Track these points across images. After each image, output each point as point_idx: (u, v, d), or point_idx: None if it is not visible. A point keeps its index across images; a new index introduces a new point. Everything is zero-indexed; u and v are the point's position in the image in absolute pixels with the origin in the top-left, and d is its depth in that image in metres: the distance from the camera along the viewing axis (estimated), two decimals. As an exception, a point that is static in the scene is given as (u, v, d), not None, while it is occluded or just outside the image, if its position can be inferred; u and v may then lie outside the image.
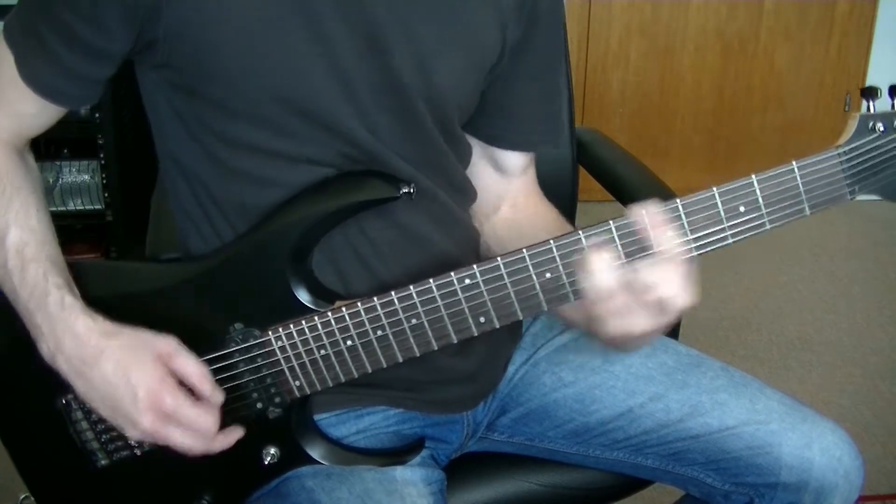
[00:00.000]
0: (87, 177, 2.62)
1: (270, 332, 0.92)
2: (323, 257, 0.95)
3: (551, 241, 0.86)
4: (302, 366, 0.93)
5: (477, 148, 1.09)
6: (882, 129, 0.85)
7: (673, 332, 1.37)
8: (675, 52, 3.33)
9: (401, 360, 0.92)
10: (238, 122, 0.91)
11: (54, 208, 2.52)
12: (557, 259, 0.86)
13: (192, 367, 0.90)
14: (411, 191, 0.92)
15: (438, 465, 1.08)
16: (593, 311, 0.86)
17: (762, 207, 0.85)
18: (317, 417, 1.01)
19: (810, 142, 3.43)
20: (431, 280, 0.88)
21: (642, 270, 0.83)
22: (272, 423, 0.96)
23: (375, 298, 0.89)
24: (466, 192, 1.07)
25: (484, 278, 0.87)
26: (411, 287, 0.88)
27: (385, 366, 0.92)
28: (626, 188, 1.54)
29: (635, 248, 0.85)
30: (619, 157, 1.66)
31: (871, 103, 0.85)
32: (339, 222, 0.92)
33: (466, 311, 0.88)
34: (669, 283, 0.83)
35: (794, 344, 2.56)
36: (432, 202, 0.99)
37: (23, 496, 1.07)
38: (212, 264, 0.95)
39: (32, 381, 0.97)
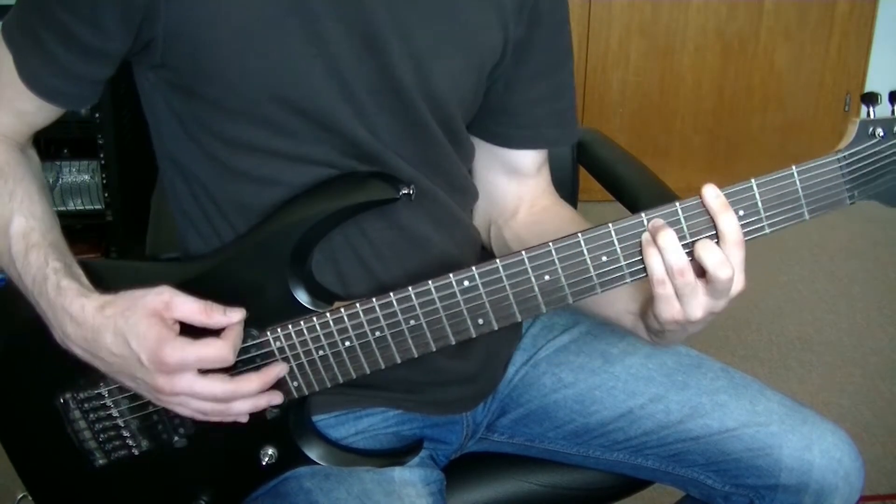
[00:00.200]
0: (87, 177, 2.62)
1: (269, 333, 0.91)
2: (322, 258, 0.95)
3: (550, 244, 0.86)
4: (300, 367, 0.92)
5: (487, 154, 1.09)
6: (882, 134, 0.85)
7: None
8: (675, 52, 3.33)
9: (399, 361, 0.92)
10: (236, 121, 0.91)
11: (54, 208, 2.52)
12: (556, 261, 0.86)
13: (190, 308, 0.86)
14: (411, 192, 0.92)
15: (437, 465, 1.08)
16: (656, 291, 0.86)
17: (761, 211, 0.85)
18: (316, 418, 1.01)
19: (810, 142, 3.43)
20: (430, 282, 0.88)
21: (706, 250, 0.84)
22: (270, 424, 0.96)
23: (374, 299, 0.89)
24: (467, 193, 1.07)
25: (482, 280, 0.87)
26: (410, 288, 0.88)
27: (383, 367, 0.92)
28: (626, 188, 1.54)
29: (700, 229, 0.85)
30: (619, 157, 1.66)
31: (871, 109, 0.86)
32: (338, 223, 0.92)
33: (465, 312, 0.88)
34: (727, 266, 0.84)
35: (794, 344, 2.56)
36: (433, 203, 0.99)
37: (21, 495, 1.06)
38: (211, 264, 0.95)
39: (30, 380, 0.98)
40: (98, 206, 2.61)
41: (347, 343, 0.91)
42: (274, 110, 0.90)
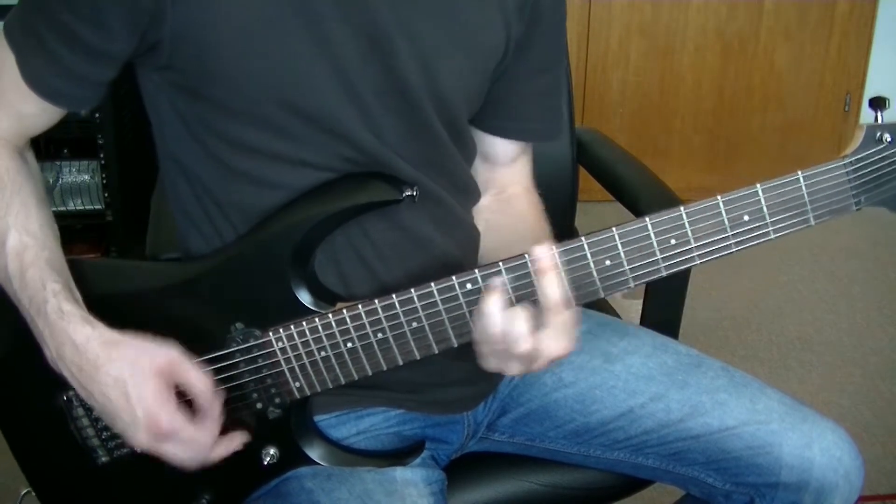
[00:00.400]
0: (87, 177, 2.62)
1: (271, 333, 0.92)
2: (325, 258, 0.95)
3: (554, 248, 0.86)
4: (302, 367, 0.93)
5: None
6: (889, 139, 0.84)
7: (673, 332, 1.38)
8: (675, 52, 3.33)
9: (401, 362, 0.92)
10: (240, 123, 0.91)
11: (54, 208, 2.50)
12: (560, 265, 0.86)
13: (194, 379, 0.89)
14: (414, 194, 0.92)
15: (439, 465, 1.08)
16: (476, 347, 0.88)
17: (766, 217, 0.84)
18: (317, 418, 1.01)
19: (810, 142, 3.43)
20: (433, 283, 0.88)
21: (515, 320, 0.84)
22: (272, 424, 0.96)
23: (376, 301, 0.89)
24: (470, 193, 1.07)
25: (486, 283, 0.87)
26: (412, 290, 0.88)
27: (385, 368, 0.92)
28: (626, 188, 1.54)
29: (526, 292, 0.85)
30: (619, 157, 1.66)
31: (879, 114, 0.85)
32: (341, 224, 0.92)
33: (467, 315, 0.88)
34: (528, 340, 0.84)
35: (794, 344, 2.56)
36: (436, 204, 0.99)
37: (24, 491, 1.07)
38: (214, 263, 0.95)
39: (34, 377, 0.97)
40: (98, 206, 2.61)
41: (349, 344, 0.91)
42: (278, 112, 0.90)
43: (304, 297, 0.91)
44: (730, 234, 0.85)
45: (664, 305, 1.39)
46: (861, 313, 2.71)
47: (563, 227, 1.12)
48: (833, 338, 2.59)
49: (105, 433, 0.98)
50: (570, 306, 0.86)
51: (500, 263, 0.85)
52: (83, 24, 0.86)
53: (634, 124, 3.41)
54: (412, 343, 0.90)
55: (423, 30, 0.92)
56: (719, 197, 0.84)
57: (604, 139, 1.74)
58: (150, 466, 0.95)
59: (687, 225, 0.84)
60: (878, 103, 0.85)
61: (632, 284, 0.87)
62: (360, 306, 0.89)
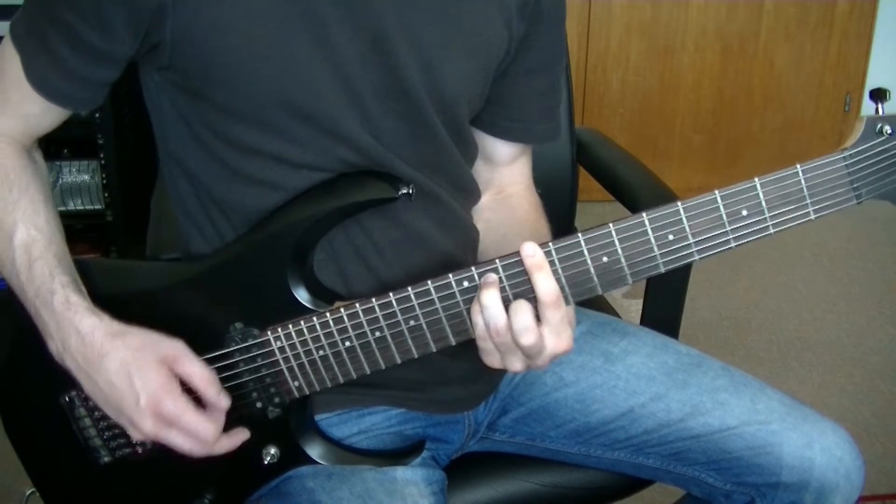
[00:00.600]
0: (87, 177, 2.62)
1: (270, 332, 0.92)
2: (325, 257, 0.95)
3: (550, 244, 0.86)
4: (301, 366, 0.93)
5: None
6: (890, 132, 0.83)
7: (673, 332, 1.38)
8: (675, 52, 3.33)
9: (399, 361, 0.92)
10: (241, 125, 0.91)
11: (58, 215, 2.52)
12: (556, 262, 0.86)
13: (198, 372, 0.89)
14: (410, 191, 0.92)
15: (439, 465, 1.08)
16: (478, 343, 0.88)
17: (765, 211, 0.84)
18: (318, 417, 1.01)
19: (810, 142, 3.44)
20: (429, 282, 0.87)
21: (517, 313, 0.84)
22: (272, 423, 0.96)
23: (374, 300, 0.89)
24: (471, 193, 1.07)
25: (482, 279, 0.87)
26: (409, 288, 0.88)
27: (383, 367, 0.92)
28: (626, 188, 1.54)
29: (523, 289, 0.85)
30: (619, 157, 1.66)
31: (879, 105, 0.84)
32: (337, 223, 0.92)
33: (465, 313, 0.88)
34: (534, 332, 0.84)
35: (794, 344, 2.56)
36: (436, 204, 0.99)
37: (29, 492, 1.07)
38: (212, 263, 0.95)
39: (37, 378, 0.98)
40: (98, 206, 2.61)
41: (348, 343, 0.91)
42: (279, 115, 0.90)
43: (303, 296, 0.91)
44: (728, 228, 0.84)
45: (664, 305, 1.39)
46: (861, 313, 2.71)
47: (562, 227, 1.12)
48: (833, 338, 2.59)
49: (107, 433, 0.98)
50: (565, 303, 0.86)
51: (497, 260, 0.85)
52: (87, 26, 0.87)
53: (634, 124, 3.41)
54: (410, 342, 0.90)
55: (424, 30, 0.92)
56: (717, 192, 0.83)
57: (604, 139, 1.73)
58: (151, 466, 0.96)
59: (684, 220, 0.84)
60: (878, 95, 0.84)
61: (630, 281, 0.86)
62: (357, 305, 0.89)
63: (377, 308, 0.89)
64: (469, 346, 0.93)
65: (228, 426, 0.94)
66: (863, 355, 2.51)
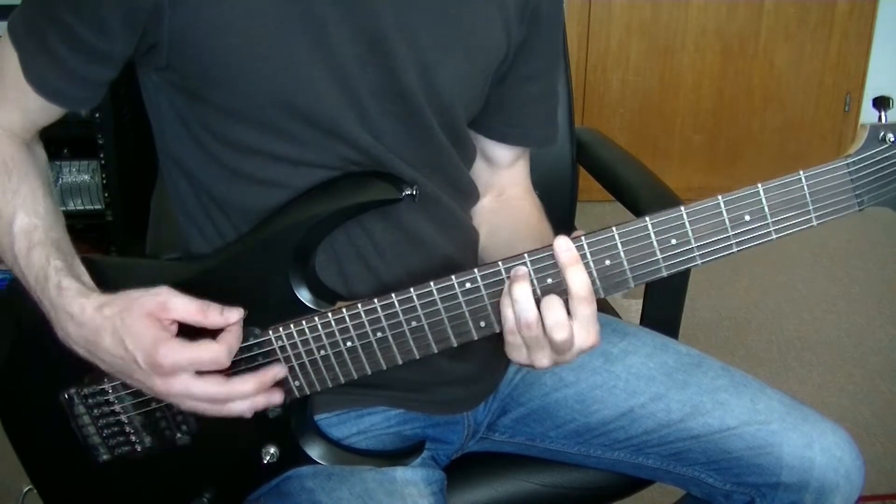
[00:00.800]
0: (87, 177, 2.62)
1: (271, 332, 0.92)
2: (326, 257, 0.95)
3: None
4: (301, 366, 0.93)
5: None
6: (893, 139, 0.83)
7: (673, 332, 1.38)
8: (675, 52, 3.33)
9: (400, 362, 0.92)
10: (240, 125, 0.91)
11: (59, 206, 2.52)
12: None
13: (186, 307, 0.86)
14: (414, 193, 0.92)
15: (439, 465, 1.08)
16: (505, 338, 0.87)
17: (768, 217, 0.84)
18: (318, 417, 1.01)
19: (810, 142, 3.43)
20: (432, 283, 0.87)
21: (549, 308, 0.84)
22: (272, 423, 0.96)
23: (376, 300, 0.89)
24: (470, 195, 1.07)
25: (485, 282, 0.87)
26: (412, 289, 0.88)
27: (384, 367, 0.92)
28: (626, 188, 1.54)
29: (550, 284, 0.85)
30: (619, 157, 1.66)
31: (882, 113, 0.84)
32: (341, 223, 0.92)
33: (467, 314, 0.88)
34: (566, 327, 0.84)
35: (794, 344, 2.56)
36: (435, 205, 0.99)
37: (26, 489, 1.07)
38: (214, 262, 0.95)
39: (36, 375, 0.98)
40: (98, 206, 2.61)
41: (349, 343, 0.91)
42: (278, 115, 0.90)
43: (305, 296, 0.91)
44: (731, 234, 0.84)
45: (664, 305, 1.39)
46: (861, 313, 2.71)
47: (562, 227, 1.11)
48: (833, 338, 2.59)
49: (106, 431, 0.98)
50: (596, 297, 0.85)
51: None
52: (85, 26, 0.87)
53: (634, 124, 3.41)
54: (412, 342, 0.90)
55: (422, 32, 0.92)
56: (720, 197, 0.83)
57: (604, 139, 1.74)
58: (151, 465, 0.96)
59: (687, 225, 0.84)
60: (881, 103, 0.84)
61: (632, 284, 0.87)
62: (359, 305, 0.89)
63: (379, 308, 0.89)
64: (469, 347, 0.93)
65: (226, 428, 0.93)
66: (863, 355, 2.51)
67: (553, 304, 0.84)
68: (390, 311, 0.89)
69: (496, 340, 0.99)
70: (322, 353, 0.92)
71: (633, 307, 2.51)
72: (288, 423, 0.97)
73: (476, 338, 0.90)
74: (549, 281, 0.85)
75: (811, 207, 0.84)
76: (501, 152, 1.11)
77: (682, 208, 0.84)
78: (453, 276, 0.87)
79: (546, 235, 1.06)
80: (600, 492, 1.19)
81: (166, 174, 1.01)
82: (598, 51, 3.31)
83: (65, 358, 0.92)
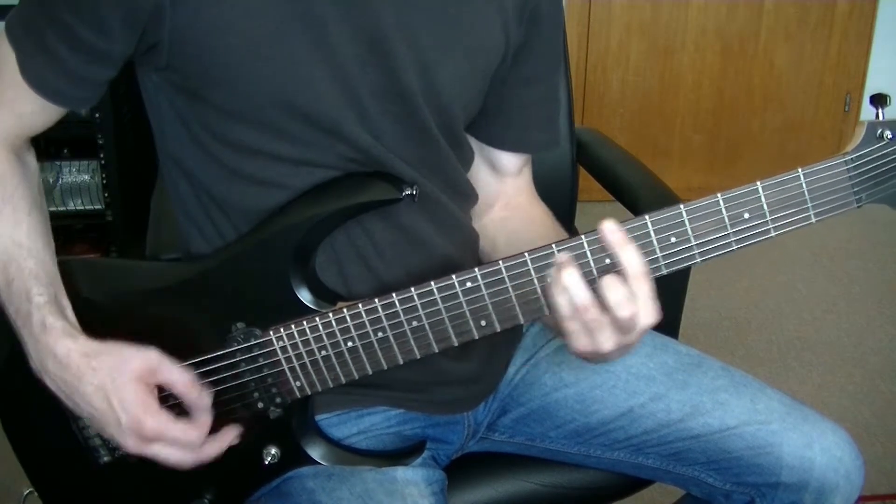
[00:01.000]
0: (87, 177, 2.62)
1: (272, 332, 0.92)
2: (326, 258, 0.95)
3: (553, 246, 0.86)
4: (303, 366, 0.93)
5: (474, 146, 1.09)
6: (890, 136, 0.83)
7: (673, 332, 1.38)
8: (675, 52, 3.33)
9: (401, 362, 0.92)
10: (240, 125, 0.91)
11: (54, 208, 2.52)
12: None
13: (176, 378, 0.89)
14: (414, 193, 0.92)
15: (439, 465, 1.09)
16: (564, 326, 0.86)
17: (767, 214, 0.84)
18: (318, 418, 1.01)
19: (810, 142, 3.43)
20: (433, 282, 0.88)
21: (609, 287, 0.83)
22: (273, 423, 0.96)
23: (377, 300, 0.89)
24: (468, 196, 1.07)
25: (485, 281, 0.87)
26: (412, 289, 0.88)
27: (385, 367, 0.92)
28: (626, 188, 1.54)
29: (605, 265, 0.85)
30: (619, 157, 1.66)
31: (880, 111, 0.85)
32: (341, 223, 0.92)
33: (467, 313, 0.88)
34: (630, 303, 0.83)
35: (794, 344, 2.56)
36: (435, 206, 0.99)
37: (27, 492, 1.07)
38: (214, 263, 0.95)
39: (36, 378, 0.97)
40: (98, 206, 2.61)
41: (350, 343, 0.91)
42: (278, 115, 0.90)
43: (305, 297, 0.91)
44: (730, 231, 0.85)
45: (664, 305, 1.38)
46: (861, 313, 2.71)
47: (563, 228, 1.12)
48: (833, 338, 2.59)
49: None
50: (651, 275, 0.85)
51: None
52: (84, 26, 0.86)
53: (634, 124, 3.41)
54: (412, 342, 0.90)
55: (422, 32, 0.92)
56: (719, 195, 0.84)
57: (604, 139, 1.74)
58: (151, 466, 0.96)
59: (687, 223, 0.84)
60: (879, 100, 0.85)
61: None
62: (360, 305, 0.89)
63: (380, 308, 0.89)
64: (469, 348, 0.94)
65: (228, 423, 0.94)
66: (863, 355, 2.51)
67: (613, 283, 0.83)
68: (391, 311, 0.89)
69: (497, 339, 0.99)
70: (323, 353, 0.92)
71: (633, 307, 2.50)
72: (289, 424, 0.97)
73: (477, 337, 0.90)
74: (586, 269, 0.85)
75: (810, 205, 0.84)
76: (507, 159, 1.11)
77: (682, 206, 0.84)
78: (454, 276, 0.87)
79: (562, 236, 1.06)
80: (600, 492, 1.19)
81: (166, 174, 1.01)
82: (598, 51, 3.31)
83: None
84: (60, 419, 0.98)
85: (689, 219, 0.84)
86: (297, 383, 0.94)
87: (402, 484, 0.99)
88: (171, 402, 0.91)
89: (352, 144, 0.92)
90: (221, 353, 0.93)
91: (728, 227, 0.85)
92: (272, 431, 0.97)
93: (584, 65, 3.31)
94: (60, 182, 2.61)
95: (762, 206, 0.84)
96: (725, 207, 0.84)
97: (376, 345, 0.91)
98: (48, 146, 2.54)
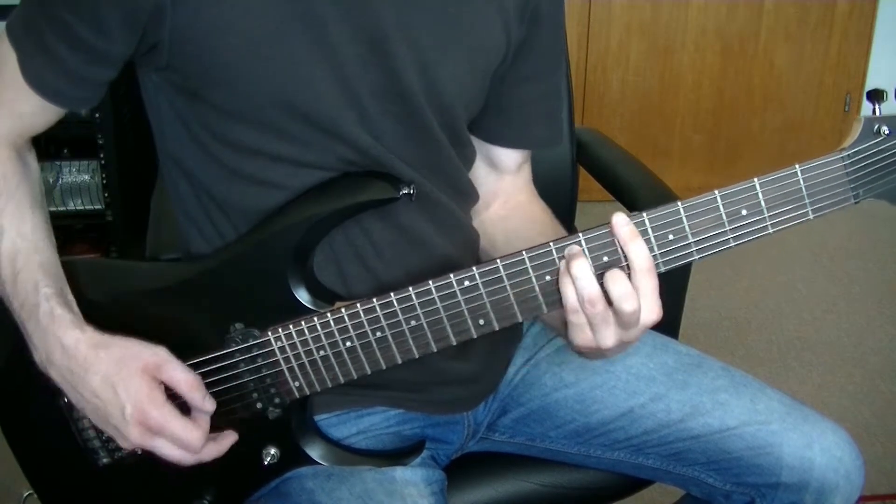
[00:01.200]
0: (87, 177, 2.62)
1: (270, 333, 0.92)
2: (325, 258, 0.95)
3: (551, 244, 0.86)
4: (301, 366, 0.93)
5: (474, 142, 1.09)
6: (887, 132, 0.84)
7: (673, 332, 1.38)
8: (675, 52, 3.33)
9: (400, 361, 0.92)
10: (240, 125, 0.91)
11: (54, 208, 2.53)
12: (557, 261, 0.86)
13: (182, 377, 0.89)
14: (411, 192, 0.92)
15: (439, 465, 1.08)
16: (569, 319, 0.86)
17: (764, 211, 0.84)
18: (317, 418, 1.01)
19: (810, 142, 3.44)
20: (430, 281, 0.87)
21: (615, 281, 0.84)
22: (272, 424, 0.96)
23: (375, 299, 0.89)
24: (469, 195, 1.07)
25: (483, 280, 0.87)
26: (410, 288, 0.88)
27: (384, 367, 0.92)
28: (626, 188, 1.54)
29: (612, 260, 0.85)
30: (619, 157, 1.66)
31: (877, 106, 0.85)
32: (339, 223, 0.92)
33: (466, 312, 0.88)
34: (634, 297, 0.84)
35: (794, 344, 2.56)
36: (435, 205, 0.99)
37: (26, 494, 1.07)
38: (213, 264, 0.95)
39: (36, 379, 0.97)
40: (98, 206, 2.61)
41: (348, 343, 0.91)
42: (278, 115, 0.90)
43: (303, 297, 0.91)
44: (728, 228, 0.85)
45: (664, 305, 1.39)
46: (861, 313, 2.71)
47: (563, 228, 1.12)
48: (833, 338, 2.59)
49: (106, 434, 0.98)
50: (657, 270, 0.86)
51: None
52: (84, 26, 0.86)
53: (634, 124, 3.41)
54: (411, 342, 0.90)
55: (423, 32, 0.92)
56: (717, 192, 0.84)
57: (604, 139, 1.74)
58: (150, 467, 0.96)
59: (684, 220, 0.85)
60: (876, 96, 0.85)
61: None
62: (358, 305, 0.89)
63: (378, 308, 0.89)
64: (469, 347, 0.93)
65: (228, 426, 0.94)
66: (863, 355, 2.51)
67: (618, 276, 0.84)
68: (389, 311, 0.89)
69: (497, 339, 0.99)
70: (321, 353, 0.92)
71: (633, 307, 2.50)
72: (288, 424, 0.97)
73: (475, 336, 0.90)
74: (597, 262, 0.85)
75: (807, 201, 0.85)
76: (506, 156, 1.11)
77: (679, 203, 0.84)
78: (451, 275, 0.87)
79: (561, 234, 1.06)
80: (600, 492, 1.19)
81: (166, 174, 1.01)
82: (598, 51, 3.31)
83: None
84: (60, 420, 0.98)
85: (686, 216, 0.84)
86: (296, 383, 0.94)
87: (401, 484, 0.99)
88: (174, 402, 0.91)
89: (351, 145, 0.92)
90: (220, 353, 0.93)
91: (726, 224, 0.85)
92: (271, 432, 0.97)
93: (584, 65, 3.31)
94: (60, 182, 2.61)
95: (760, 202, 0.84)
96: (723, 204, 0.84)
97: (375, 345, 0.90)
98: (48, 146, 2.55)
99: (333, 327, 0.90)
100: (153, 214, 1.37)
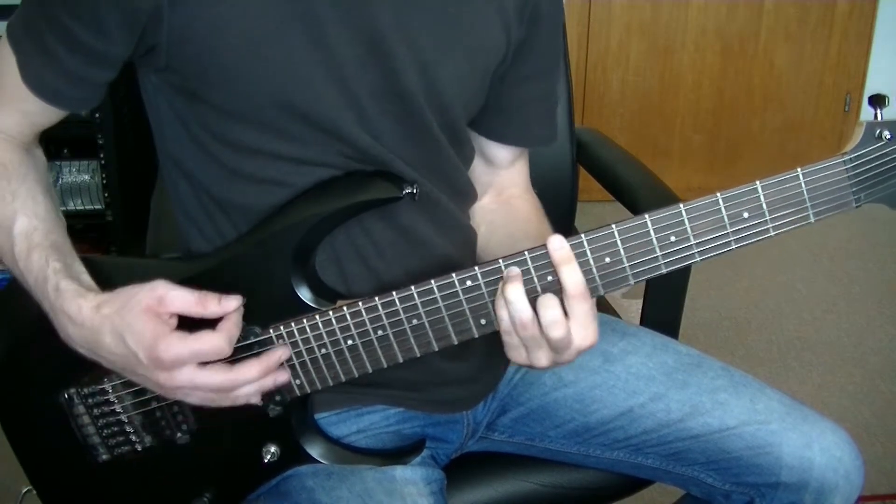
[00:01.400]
0: (87, 177, 2.62)
1: (271, 330, 0.92)
2: (326, 257, 0.95)
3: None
4: (302, 364, 0.93)
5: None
6: (889, 136, 0.84)
7: (673, 332, 1.38)
8: (675, 52, 3.33)
9: (401, 360, 0.92)
10: (240, 125, 0.91)
11: (59, 207, 2.52)
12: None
13: (184, 302, 0.85)
14: (414, 191, 0.92)
15: (438, 464, 1.09)
16: (503, 338, 0.87)
17: (766, 213, 0.84)
18: (317, 416, 1.01)
19: (810, 142, 3.44)
20: (433, 281, 0.88)
21: (545, 306, 0.84)
22: (272, 421, 0.96)
23: (377, 298, 0.89)
24: (467, 195, 1.07)
25: (485, 280, 0.87)
26: (412, 287, 0.88)
27: (385, 366, 0.92)
28: (626, 188, 1.54)
29: (548, 282, 0.85)
30: (619, 157, 1.66)
31: (878, 111, 0.85)
32: (342, 222, 0.92)
33: (467, 312, 0.88)
34: (563, 324, 0.84)
35: (794, 344, 2.56)
36: (434, 206, 0.99)
37: (25, 490, 1.07)
38: (214, 262, 0.95)
39: (35, 375, 0.98)
40: (98, 206, 2.61)
41: (350, 341, 0.91)
42: (277, 115, 0.90)
43: (305, 295, 0.91)
44: (729, 230, 0.85)
45: (664, 305, 1.39)
46: (861, 313, 2.71)
47: (563, 227, 1.12)
48: (833, 338, 2.59)
49: (106, 431, 0.98)
50: (592, 295, 0.86)
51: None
52: (83, 28, 0.87)
53: (634, 124, 3.41)
54: (412, 340, 0.90)
55: (422, 32, 0.92)
56: (719, 194, 0.84)
57: (604, 139, 1.74)
58: (151, 464, 0.96)
59: (686, 222, 0.85)
60: (877, 100, 0.85)
61: (632, 282, 0.87)
62: (360, 303, 0.89)
63: (380, 306, 0.89)
64: (469, 347, 0.93)
65: (227, 424, 0.93)
66: (863, 355, 2.51)
67: (548, 302, 0.84)
68: (391, 310, 0.89)
69: (496, 340, 0.99)
70: (323, 351, 0.92)
71: (633, 307, 2.51)
72: (288, 422, 0.97)
73: (476, 335, 0.90)
74: (550, 279, 0.86)
75: (809, 204, 0.85)
76: (501, 152, 1.11)
77: (682, 205, 0.84)
78: (454, 274, 0.87)
79: (545, 234, 1.06)
80: (600, 492, 1.19)
81: (166, 174, 1.01)
82: (598, 51, 3.31)
83: (64, 358, 0.92)
84: (59, 418, 0.98)
85: (688, 218, 0.85)
86: (297, 381, 0.94)
87: (401, 483, 0.99)
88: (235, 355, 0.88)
89: (351, 144, 0.92)
90: (221, 352, 0.93)
91: (727, 226, 0.85)
92: (272, 430, 0.97)
93: (584, 65, 3.31)
94: (60, 182, 2.61)
95: (761, 205, 0.84)
96: (725, 207, 0.84)
97: (376, 343, 0.91)
98: (48, 146, 2.51)
99: (335, 325, 0.90)
100: (153, 214, 1.37)
